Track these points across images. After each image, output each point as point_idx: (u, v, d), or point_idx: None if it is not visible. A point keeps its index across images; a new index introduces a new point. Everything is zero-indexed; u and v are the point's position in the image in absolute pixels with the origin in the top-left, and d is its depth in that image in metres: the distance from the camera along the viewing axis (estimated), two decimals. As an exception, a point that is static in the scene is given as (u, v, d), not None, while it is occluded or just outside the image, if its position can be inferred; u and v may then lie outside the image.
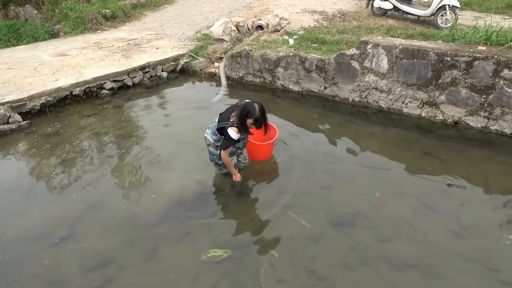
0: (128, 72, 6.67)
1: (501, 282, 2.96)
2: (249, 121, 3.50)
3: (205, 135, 3.90)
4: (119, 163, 4.55)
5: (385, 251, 3.23)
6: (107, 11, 9.72)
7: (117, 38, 8.45)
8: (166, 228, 3.55)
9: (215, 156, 3.94)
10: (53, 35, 9.43)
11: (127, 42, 8.07)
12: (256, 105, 3.50)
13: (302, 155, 4.53)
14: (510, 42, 5.03)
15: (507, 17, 6.65)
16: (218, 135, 3.75)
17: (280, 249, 3.27)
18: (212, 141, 3.84)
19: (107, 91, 6.42)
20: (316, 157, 4.52)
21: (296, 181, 4.14)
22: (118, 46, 7.84)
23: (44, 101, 5.74)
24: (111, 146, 4.93)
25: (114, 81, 6.52)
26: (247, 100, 3.65)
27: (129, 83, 6.68)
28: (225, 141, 3.65)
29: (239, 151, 4.19)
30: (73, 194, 4.04)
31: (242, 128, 3.58)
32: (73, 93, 6.06)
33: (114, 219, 3.68)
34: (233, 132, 3.57)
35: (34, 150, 4.87)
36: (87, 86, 6.21)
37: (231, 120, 3.60)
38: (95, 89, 6.35)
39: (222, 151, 3.72)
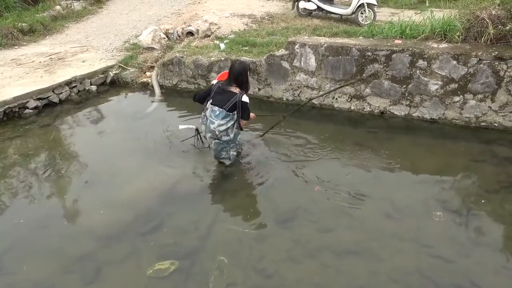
0: (53, 89, 6.27)
1: (433, 256, 3.20)
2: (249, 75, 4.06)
3: (213, 128, 3.95)
4: (52, 185, 4.27)
5: (327, 241, 3.36)
6: (23, 24, 9.03)
7: (37, 53, 7.92)
8: (107, 248, 3.40)
9: (230, 142, 4.07)
10: (-38, 53, 8.59)
11: (49, 57, 7.59)
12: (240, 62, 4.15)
13: (244, 158, 4.58)
14: (422, 34, 5.47)
15: (418, 11, 7.23)
16: (230, 114, 3.91)
17: (227, 253, 3.27)
18: (227, 126, 3.94)
19: (31, 110, 5.99)
20: (256, 158, 4.58)
21: (240, 183, 4.18)
22: (40, 62, 7.35)
23: (-43, 127, 5.25)
24: (41, 168, 4.60)
25: (38, 99, 6.09)
26: (237, 61, 4.26)
27: (55, 100, 6.29)
28: (245, 111, 3.92)
29: None
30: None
31: (247, 86, 4.00)
32: (-8, 115, 5.60)
33: (50, 245, 3.44)
34: (247, 98, 3.92)
35: None
36: (7, 106, 5.74)
37: (237, 92, 3.87)
38: (17, 109, 5.89)
39: (244, 121, 4.00)
